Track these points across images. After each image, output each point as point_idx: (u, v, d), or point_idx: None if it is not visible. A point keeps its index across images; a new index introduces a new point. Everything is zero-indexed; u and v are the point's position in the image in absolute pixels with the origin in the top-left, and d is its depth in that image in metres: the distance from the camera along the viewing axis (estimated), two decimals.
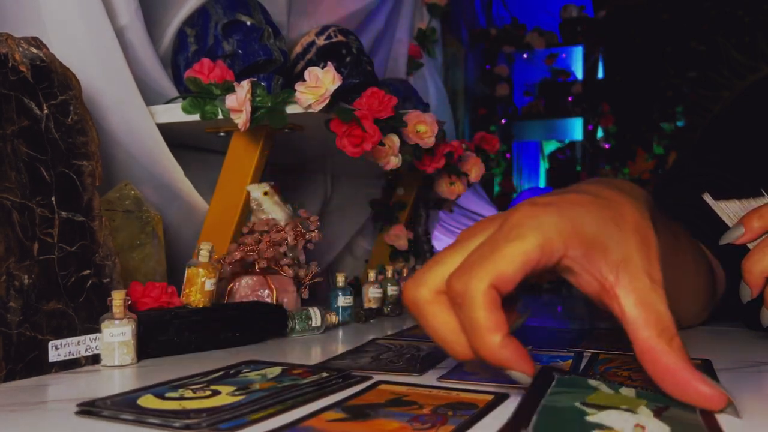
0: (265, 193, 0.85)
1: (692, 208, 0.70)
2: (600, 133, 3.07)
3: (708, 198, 0.61)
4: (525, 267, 0.38)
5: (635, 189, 0.47)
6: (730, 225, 0.59)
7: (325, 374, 0.48)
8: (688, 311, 0.73)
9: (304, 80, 0.77)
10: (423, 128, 0.98)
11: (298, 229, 0.81)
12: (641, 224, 0.41)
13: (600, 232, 0.39)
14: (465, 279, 0.38)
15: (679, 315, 0.71)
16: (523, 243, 0.38)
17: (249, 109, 0.76)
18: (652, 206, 0.46)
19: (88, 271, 0.56)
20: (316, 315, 0.72)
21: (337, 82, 0.77)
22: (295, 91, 0.77)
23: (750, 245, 0.56)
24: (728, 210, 0.60)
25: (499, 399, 0.42)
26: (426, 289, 0.41)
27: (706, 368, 0.52)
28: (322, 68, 0.77)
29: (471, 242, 0.41)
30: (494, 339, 0.37)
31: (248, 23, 0.89)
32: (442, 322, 0.40)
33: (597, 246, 0.39)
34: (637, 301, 0.38)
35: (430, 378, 0.50)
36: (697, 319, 0.76)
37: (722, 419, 0.39)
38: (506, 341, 0.37)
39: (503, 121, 3.09)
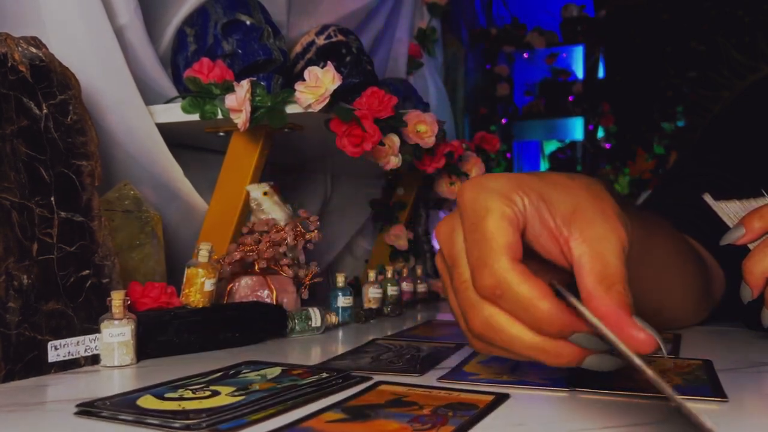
0: (265, 193, 0.84)
1: (692, 208, 0.70)
2: (600, 133, 3.07)
3: (708, 198, 0.61)
4: (514, 227, 0.39)
5: (594, 178, 0.47)
6: (730, 225, 0.59)
7: (324, 375, 0.47)
8: (682, 309, 0.72)
9: (304, 80, 0.77)
10: (423, 128, 0.98)
11: (297, 229, 0.81)
12: (592, 185, 0.41)
13: (548, 189, 0.40)
14: (487, 272, 0.38)
15: (669, 311, 0.70)
16: (493, 211, 0.39)
17: (248, 108, 0.76)
18: (614, 194, 0.46)
19: (88, 271, 0.56)
20: (315, 315, 0.72)
21: (337, 82, 0.76)
22: (294, 90, 0.77)
23: (750, 246, 0.56)
24: (729, 210, 0.60)
25: (500, 399, 0.42)
26: (488, 304, 0.39)
27: (707, 368, 0.52)
28: (322, 68, 0.77)
29: (459, 244, 0.41)
30: (544, 305, 0.37)
31: (248, 23, 0.89)
32: (523, 332, 0.39)
33: (546, 198, 0.40)
34: (586, 251, 0.38)
35: (430, 378, 0.49)
36: (695, 318, 0.76)
37: (720, 418, 0.39)
38: (558, 305, 0.37)
39: (503, 120, 3.09)
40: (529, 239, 0.40)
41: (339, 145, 0.83)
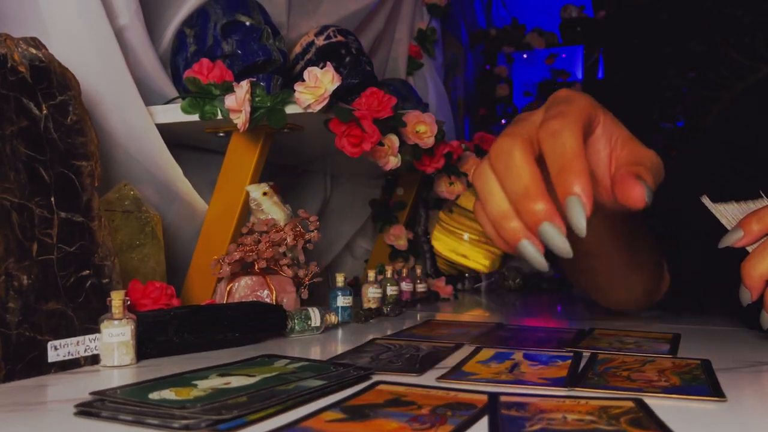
0: (265, 194, 0.84)
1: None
2: None
3: (706, 201, 0.61)
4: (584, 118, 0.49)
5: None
6: (729, 228, 0.59)
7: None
8: (631, 297, 0.79)
9: (304, 80, 0.77)
10: (422, 128, 0.98)
11: (297, 229, 0.81)
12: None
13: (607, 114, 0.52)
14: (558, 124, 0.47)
15: (616, 298, 0.78)
16: (578, 109, 0.49)
17: (248, 109, 0.76)
18: None
19: (88, 271, 0.56)
20: (315, 315, 0.72)
21: (336, 83, 0.77)
22: (294, 91, 0.77)
23: (749, 248, 0.56)
24: (727, 213, 0.60)
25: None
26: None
27: (705, 368, 0.52)
28: (322, 68, 0.77)
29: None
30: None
31: (247, 23, 0.89)
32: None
33: (610, 120, 0.52)
34: (624, 153, 0.51)
35: (429, 378, 0.50)
36: (630, 305, 0.82)
37: (719, 418, 0.39)
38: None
39: (503, 121, 3.09)
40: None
41: (338, 146, 0.83)
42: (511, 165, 0.44)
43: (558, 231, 0.43)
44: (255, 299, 0.76)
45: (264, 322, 0.69)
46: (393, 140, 0.91)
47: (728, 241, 0.57)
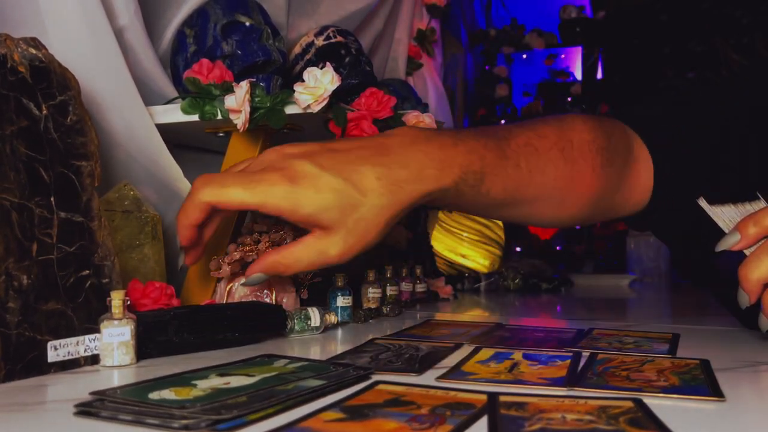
0: None
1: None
2: None
3: (703, 203, 0.61)
4: None
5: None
6: (726, 230, 0.59)
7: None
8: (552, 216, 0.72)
9: (303, 81, 0.77)
10: None
11: (297, 229, 0.81)
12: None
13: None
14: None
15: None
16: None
17: (248, 109, 0.76)
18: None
19: (87, 271, 0.56)
20: (315, 315, 0.72)
21: (336, 83, 0.77)
22: (293, 91, 0.77)
23: (746, 251, 0.56)
24: (724, 215, 0.60)
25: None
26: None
27: (704, 368, 0.52)
28: (321, 69, 0.77)
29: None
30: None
31: (247, 24, 0.89)
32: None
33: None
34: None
35: (428, 378, 0.50)
36: (571, 220, 0.74)
37: (718, 418, 0.39)
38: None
39: (503, 121, 3.09)
40: None
41: None
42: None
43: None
44: (255, 299, 0.76)
45: (264, 322, 0.69)
46: None
47: (725, 244, 0.57)
